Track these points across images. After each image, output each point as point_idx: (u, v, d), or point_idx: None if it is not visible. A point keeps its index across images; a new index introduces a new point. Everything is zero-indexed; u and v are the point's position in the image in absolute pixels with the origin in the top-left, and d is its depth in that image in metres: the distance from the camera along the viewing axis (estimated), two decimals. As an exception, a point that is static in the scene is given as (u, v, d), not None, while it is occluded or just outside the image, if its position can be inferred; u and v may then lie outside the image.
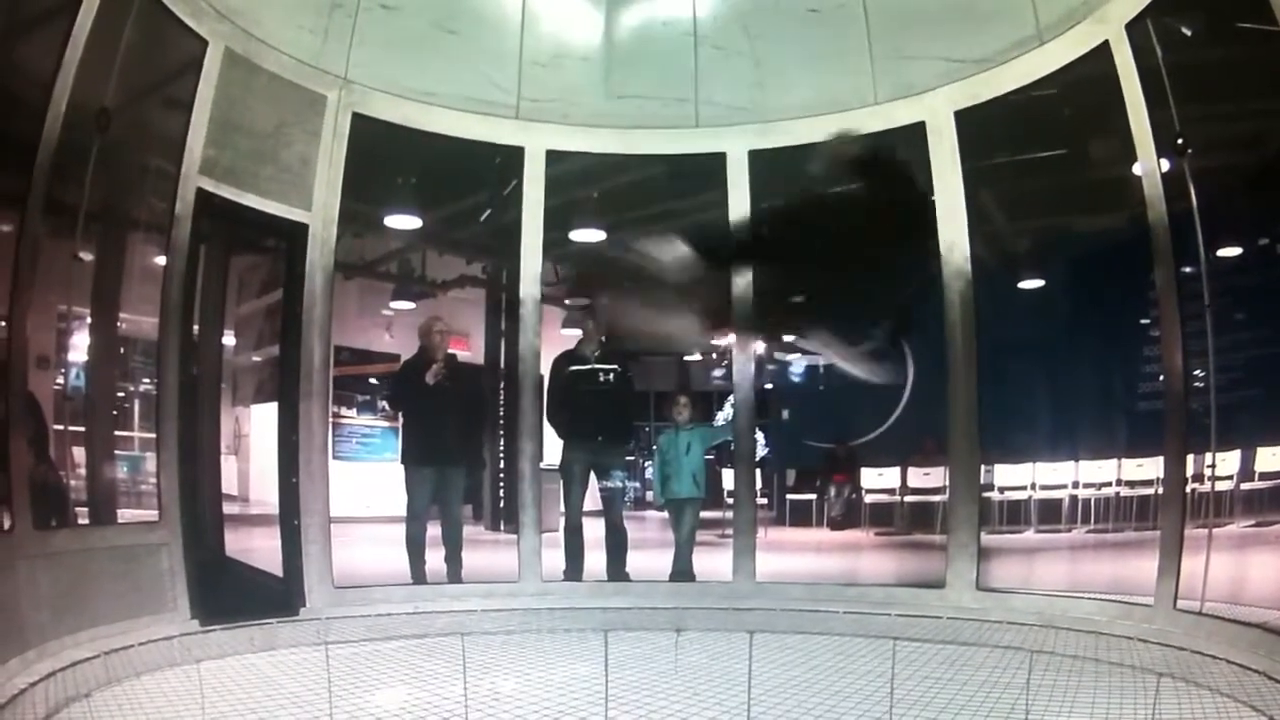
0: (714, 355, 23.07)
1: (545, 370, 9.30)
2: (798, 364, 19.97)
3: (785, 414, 20.40)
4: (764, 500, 16.19)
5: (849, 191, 7.69)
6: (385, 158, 10.40)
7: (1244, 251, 12.28)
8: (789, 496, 18.94)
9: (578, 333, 10.30)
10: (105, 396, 8.18)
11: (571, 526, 9.19)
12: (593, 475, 9.49)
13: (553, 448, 9.74)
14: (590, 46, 8.81)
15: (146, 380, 9.46)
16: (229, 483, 12.59)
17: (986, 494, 12.22)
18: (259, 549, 8.60)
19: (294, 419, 7.77)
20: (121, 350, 9.24)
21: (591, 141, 8.93)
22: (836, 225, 7.58)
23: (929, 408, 15.54)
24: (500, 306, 18.14)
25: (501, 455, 17.44)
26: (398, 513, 9.28)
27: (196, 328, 7.64)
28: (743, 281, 8.69)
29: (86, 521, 7.17)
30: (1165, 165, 6.64)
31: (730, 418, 9.77)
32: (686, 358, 24.35)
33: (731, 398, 9.45)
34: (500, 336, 18.08)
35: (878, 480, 16.29)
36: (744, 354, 8.90)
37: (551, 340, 9.78)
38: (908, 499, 15.77)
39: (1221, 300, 6.83)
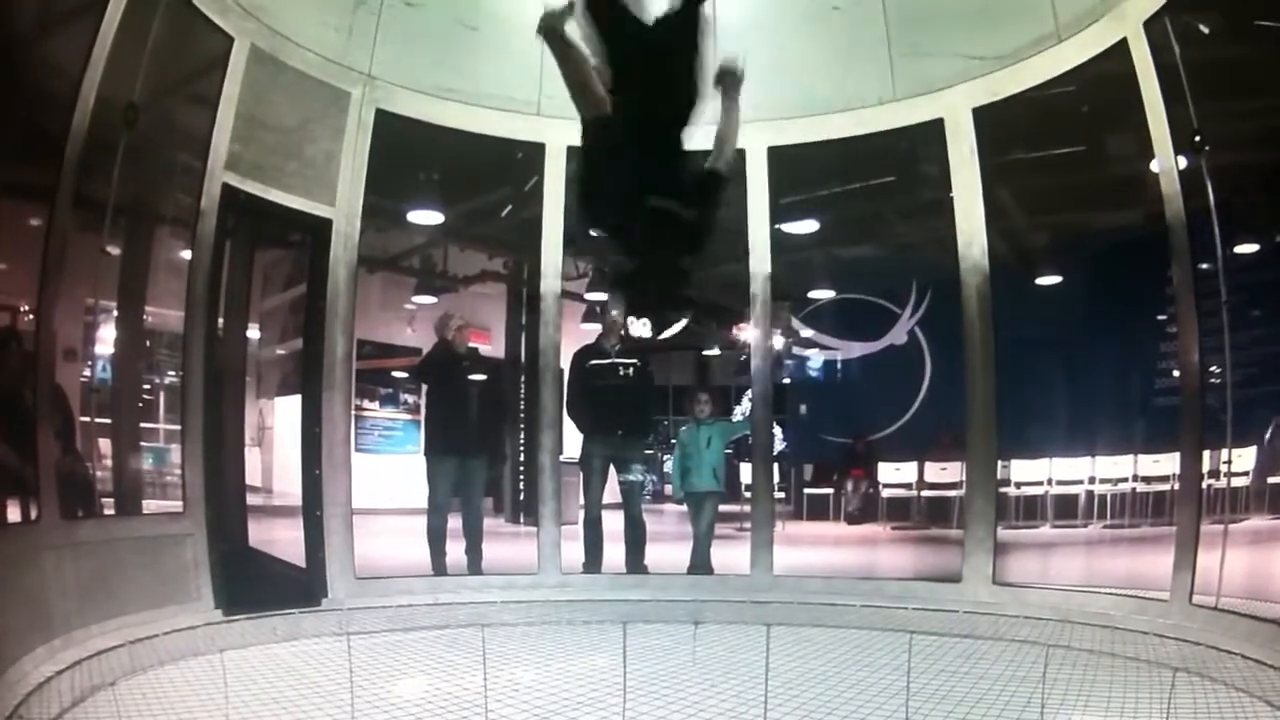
0: (733, 350, 23.12)
1: (565, 364, 9.36)
2: (815, 359, 20.04)
3: (803, 409, 20.46)
4: (781, 494, 16.23)
5: None
6: (408, 153, 10.45)
7: (1261, 248, 12.28)
8: (806, 491, 18.97)
9: (598, 327, 10.34)
10: (131, 389, 8.28)
11: (591, 519, 9.23)
12: (612, 468, 9.53)
13: (573, 441, 9.80)
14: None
15: (172, 373, 9.55)
16: (253, 474, 12.71)
17: (1003, 489, 12.22)
18: (282, 540, 8.68)
19: (317, 411, 7.83)
20: (147, 343, 9.34)
21: (611, 137, 8.95)
22: None
23: (946, 403, 15.61)
24: (521, 301, 18.20)
25: (522, 448, 17.52)
26: (419, 505, 9.35)
27: (221, 321, 7.71)
28: (761, 275, 8.73)
29: (112, 512, 7.26)
30: (1183, 162, 6.65)
31: (748, 412, 9.80)
32: (705, 352, 24.41)
33: (750, 392, 9.47)
34: (521, 331, 18.16)
35: (895, 475, 16.31)
36: (762, 349, 8.94)
37: (572, 335, 9.81)
38: (924, 494, 15.80)
39: (1238, 296, 6.85)
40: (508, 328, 18.98)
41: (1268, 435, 12.38)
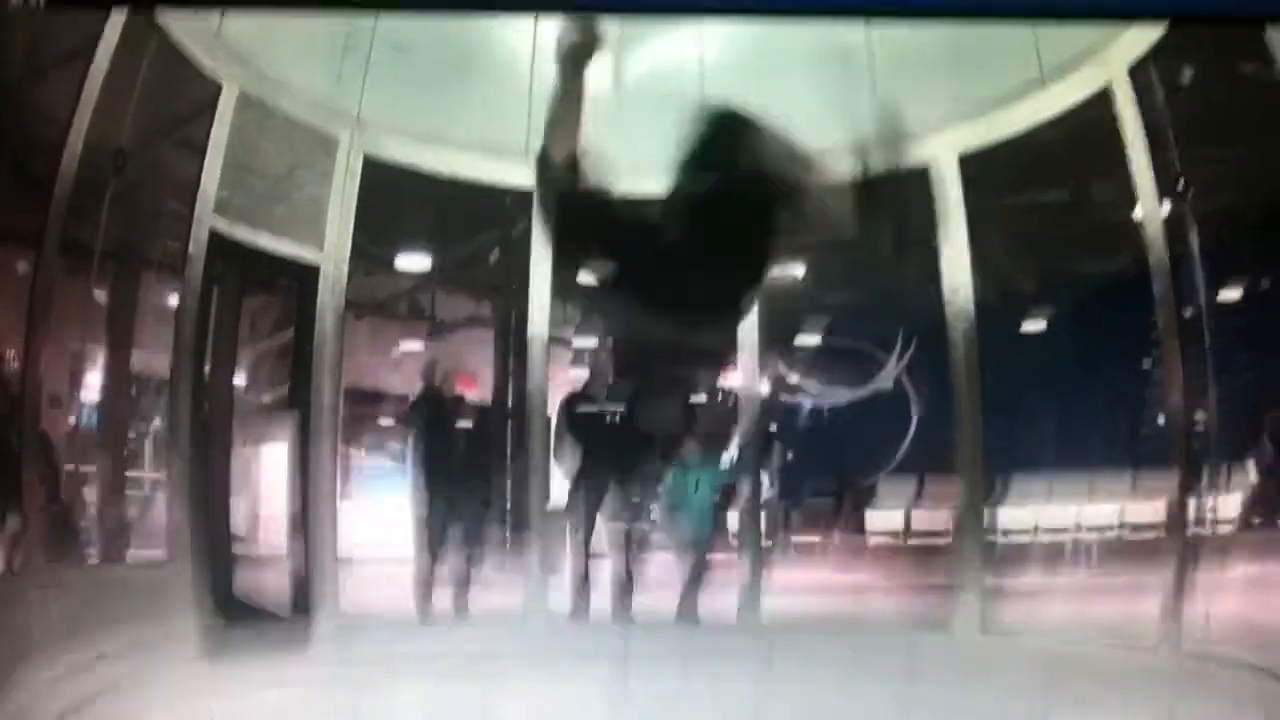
0: (719, 396, 23.07)
1: (553, 411, 9.33)
2: (803, 405, 20.04)
3: (790, 456, 20.45)
4: (768, 541, 16.15)
5: None
6: (396, 198, 10.46)
7: (1245, 294, 12.33)
8: (793, 538, 18.91)
9: (586, 373, 10.33)
10: (117, 435, 8.24)
11: (578, 565, 9.19)
12: (599, 514, 9.48)
13: (560, 488, 9.76)
14: (599, 88, 8.87)
15: (158, 419, 9.52)
16: (239, 521, 12.62)
17: (990, 537, 12.19)
18: (268, 587, 8.62)
19: (304, 458, 7.80)
20: (133, 389, 9.30)
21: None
22: None
23: (933, 449, 15.59)
24: (509, 347, 18.21)
25: (509, 495, 17.48)
26: (406, 550, 9.30)
27: (208, 367, 7.69)
28: (749, 320, 8.71)
29: (96, 560, 7.21)
30: (1166, 208, 6.68)
31: (736, 458, 9.79)
32: (692, 399, 24.39)
33: (737, 439, 9.45)
34: (509, 377, 18.15)
35: (882, 523, 16.25)
36: (749, 396, 8.92)
37: (560, 381, 9.80)
38: (911, 541, 15.74)
39: (1223, 340, 6.86)
40: (495, 373, 18.98)
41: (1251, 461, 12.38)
